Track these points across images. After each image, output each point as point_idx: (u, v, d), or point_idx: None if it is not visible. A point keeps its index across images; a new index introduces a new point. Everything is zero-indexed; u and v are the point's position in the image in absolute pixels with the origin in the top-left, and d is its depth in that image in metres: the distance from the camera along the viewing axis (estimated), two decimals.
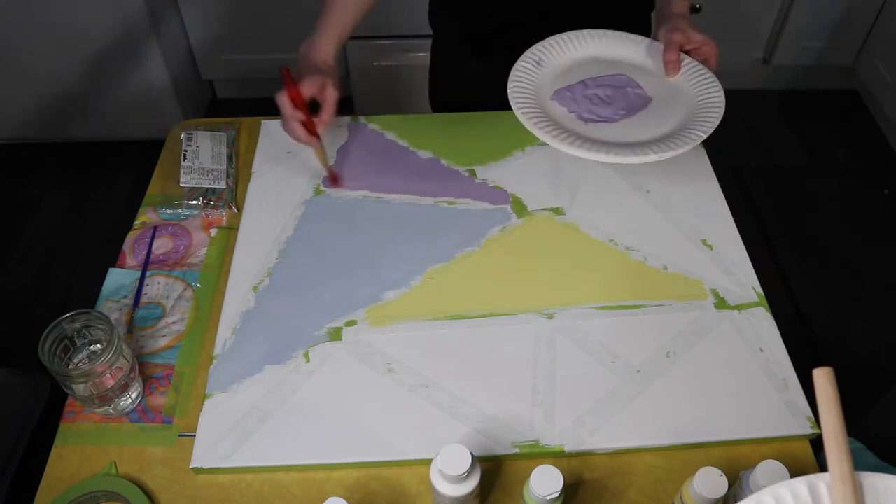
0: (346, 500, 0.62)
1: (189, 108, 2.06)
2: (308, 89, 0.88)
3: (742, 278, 0.89)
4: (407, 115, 1.09)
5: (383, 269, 0.90)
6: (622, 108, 0.90)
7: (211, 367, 0.81)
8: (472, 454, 0.63)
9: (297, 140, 0.92)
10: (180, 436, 0.77)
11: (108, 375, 0.73)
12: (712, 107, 0.88)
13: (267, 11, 1.95)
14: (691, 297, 0.87)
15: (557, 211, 0.96)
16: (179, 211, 0.97)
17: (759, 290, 0.88)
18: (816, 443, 0.76)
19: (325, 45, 0.92)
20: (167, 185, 1.01)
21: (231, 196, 0.99)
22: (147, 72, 1.91)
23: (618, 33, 0.98)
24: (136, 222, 0.97)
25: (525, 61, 0.93)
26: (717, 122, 0.85)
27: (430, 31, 1.86)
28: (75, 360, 0.76)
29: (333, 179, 0.99)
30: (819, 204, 2.02)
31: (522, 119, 0.86)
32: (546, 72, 0.93)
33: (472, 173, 1.00)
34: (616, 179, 1.00)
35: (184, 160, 0.99)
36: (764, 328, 0.84)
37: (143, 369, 0.82)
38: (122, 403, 0.77)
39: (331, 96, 0.89)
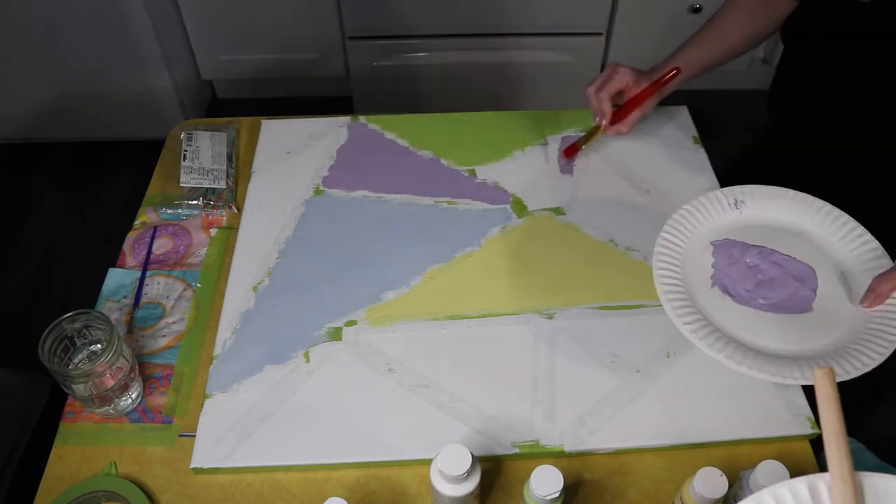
0: (346, 500, 0.62)
1: (189, 108, 2.05)
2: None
3: None
4: (407, 115, 1.09)
5: (383, 269, 0.90)
6: (771, 303, 0.77)
7: (211, 367, 0.81)
8: (472, 454, 0.63)
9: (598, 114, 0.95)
10: (180, 436, 0.77)
11: (108, 375, 0.73)
12: (871, 352, 0.71)
13: (267, 11, 1.95)
14: None
15: (557, 211, 0.96)
16: (179, 211, 0.97)
17: None
18: (816, 443, 0.76)
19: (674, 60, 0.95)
20: (167, 185, 1.01)
21: (231, 196, 0.99)
22: (147, 72, 1.91)
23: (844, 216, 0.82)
24: (136, 222, 0.97)
25: (724, 194, 0.85)
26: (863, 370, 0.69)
27: (428, 32, 1.87)
28: (75, 360, 0.76)
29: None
30: None
31: (654, 272, 0.78)
32: (738, 215, 0.85)
33: (472, 173, 1.00)
34: (616, 179, 1.00)
35: (184, 160, 0.99)
36: None
37: (143, 369, 0.82)
38: (122, 403, 0.77)
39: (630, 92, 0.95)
